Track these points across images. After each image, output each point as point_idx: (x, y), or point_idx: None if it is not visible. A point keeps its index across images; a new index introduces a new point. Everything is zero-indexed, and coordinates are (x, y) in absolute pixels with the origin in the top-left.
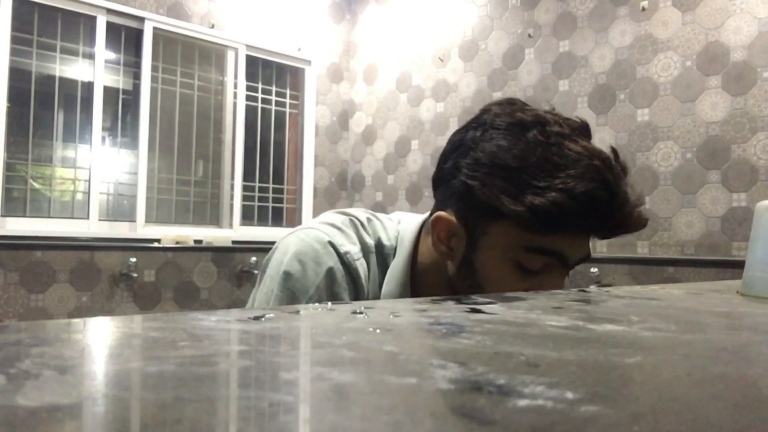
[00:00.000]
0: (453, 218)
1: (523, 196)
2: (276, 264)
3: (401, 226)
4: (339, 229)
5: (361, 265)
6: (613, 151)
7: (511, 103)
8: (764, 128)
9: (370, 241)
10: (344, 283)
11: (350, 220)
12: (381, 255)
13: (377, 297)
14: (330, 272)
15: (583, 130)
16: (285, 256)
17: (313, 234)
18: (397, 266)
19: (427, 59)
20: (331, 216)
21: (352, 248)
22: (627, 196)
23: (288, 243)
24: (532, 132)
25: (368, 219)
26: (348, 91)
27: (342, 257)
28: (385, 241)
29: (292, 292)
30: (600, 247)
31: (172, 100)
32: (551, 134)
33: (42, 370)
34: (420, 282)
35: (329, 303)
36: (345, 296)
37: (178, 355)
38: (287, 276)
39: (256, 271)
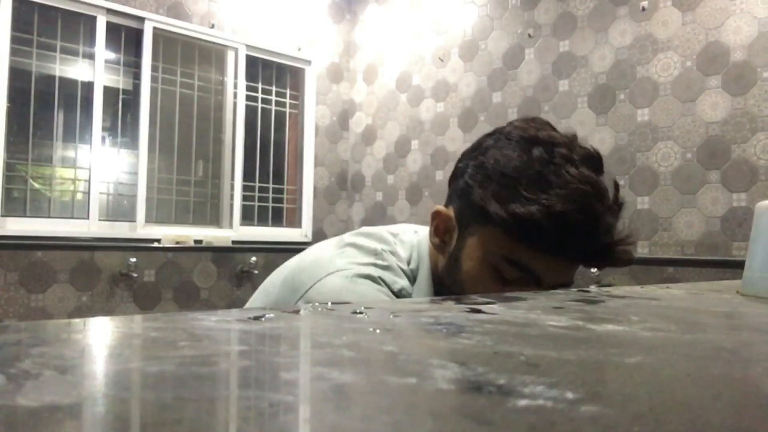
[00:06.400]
0: (451, 214)
1: (510, 204)
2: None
3: (416, 238)
4: (383, 268)
5: (408, 294)
6: (615, 185)
7: (533, 120)
8: (764, 128)
9: (406, 267)
10: None
11: (383, 252)
12: (411, 278)
13: None
14: None
15: (592, 160)
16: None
17: (361, 280)
18: (421, 284)
19: (427, 59)
20: (364, 253)
21: (403, 282)
22: (610, 228)
23: (333, 287)
24: (539, 148)
25: (393, 244)
26: (348, 91)
27: (397, 295)
28: (412, 264)
29: None
30: None
31: (172, 100)
32: (556, 155)
33: (42, 370)
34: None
35: (329, 303)
36: None
37: (178, 355)
38: None
39: (256, 271)
